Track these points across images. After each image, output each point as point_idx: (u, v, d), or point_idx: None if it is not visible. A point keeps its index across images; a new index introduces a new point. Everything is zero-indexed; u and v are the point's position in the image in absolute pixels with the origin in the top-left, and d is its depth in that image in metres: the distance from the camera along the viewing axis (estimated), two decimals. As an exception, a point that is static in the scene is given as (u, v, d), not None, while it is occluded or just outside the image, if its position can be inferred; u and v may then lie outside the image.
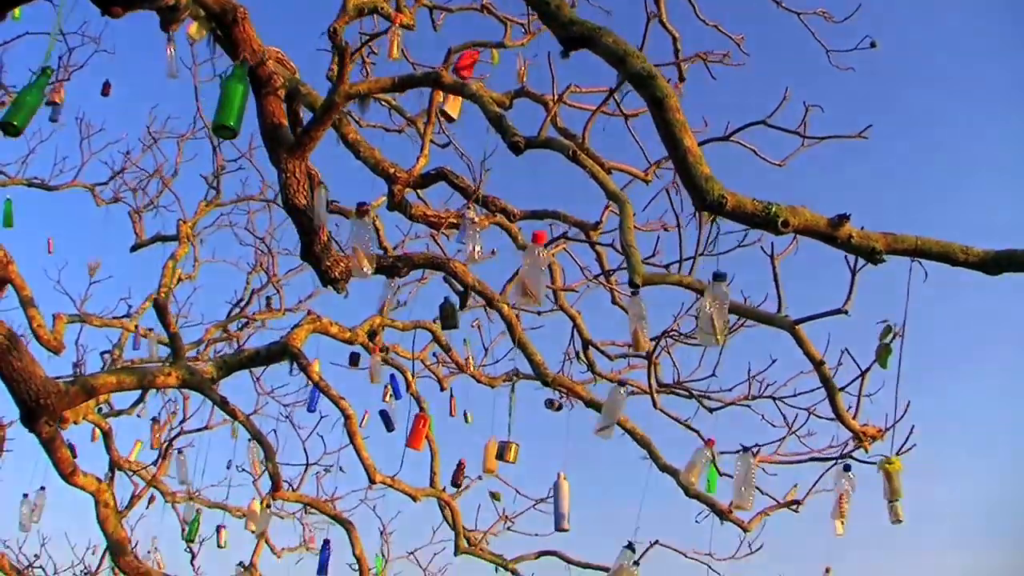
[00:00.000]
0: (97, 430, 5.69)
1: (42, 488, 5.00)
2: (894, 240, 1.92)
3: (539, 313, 4.68)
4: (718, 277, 2.45)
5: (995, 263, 1.88)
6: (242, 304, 6.08)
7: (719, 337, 2.38)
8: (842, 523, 3.43)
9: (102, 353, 6.10)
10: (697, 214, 3.49)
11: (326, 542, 4.86)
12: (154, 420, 5.72)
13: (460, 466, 4.87)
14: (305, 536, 6.64)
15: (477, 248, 3.63)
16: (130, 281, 6.40)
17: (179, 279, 6.10)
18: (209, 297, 9.46)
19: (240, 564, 5.14)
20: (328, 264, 3.56)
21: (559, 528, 3.65)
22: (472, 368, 4.95)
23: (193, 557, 6.54)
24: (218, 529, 5.82)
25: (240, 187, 6.00)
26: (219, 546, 5.70)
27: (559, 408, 4.29)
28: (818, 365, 3.06)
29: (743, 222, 2.01)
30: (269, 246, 6.05)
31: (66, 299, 6.23)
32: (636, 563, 3.62)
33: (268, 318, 6.11)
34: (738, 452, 3.37)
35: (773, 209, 1.92)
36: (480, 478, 5.04)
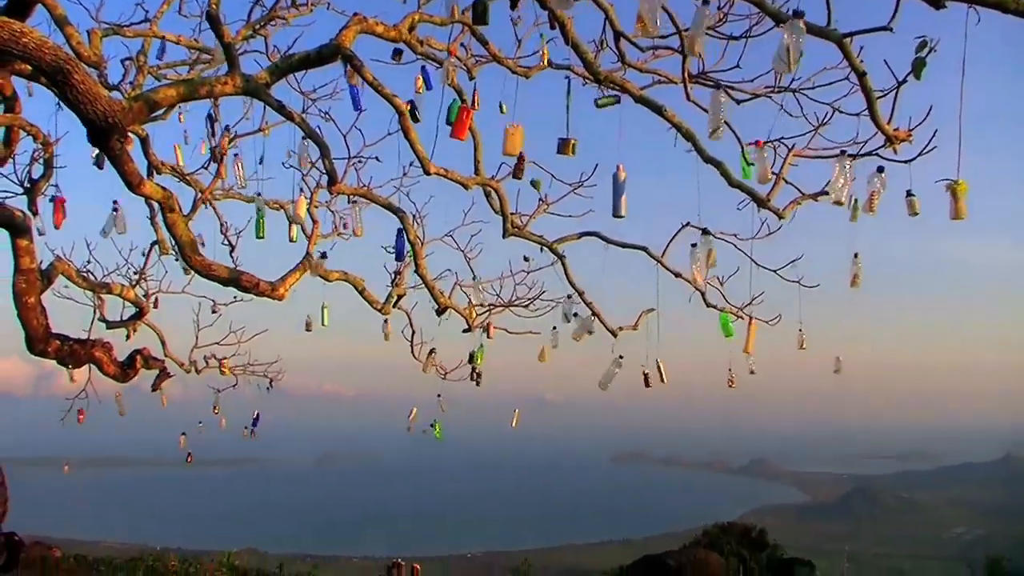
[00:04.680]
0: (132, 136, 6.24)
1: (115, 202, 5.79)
2: (958, -10, 2.51)
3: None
4: (797, 14, 3.01)
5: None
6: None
7: (792, 66, 3.00)
8: (872, 213, 4.22)
9: (123, 60, 6.42)
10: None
11: (400, 231, 5.63)
12: (226, 128, 6.24)
13: (521, 158, 5.40)
14: (337, 223, 7.54)
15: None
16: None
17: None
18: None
19: (322, 255, 6.03)
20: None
21: (616, 214, 4.40)
22: (546, 60, 5.40)
23: (232, 249, 7.51)
24: (289, 225, 6.60)
25: None
26: (291, 240, 6.50)
27: (615, 102, 4.81)
28: (860, 76, 3.64)
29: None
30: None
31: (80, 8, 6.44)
32: (694, 244, 4.52)
33: (294, 16, 6.41)
34: (836, 157, 4.12)
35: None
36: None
